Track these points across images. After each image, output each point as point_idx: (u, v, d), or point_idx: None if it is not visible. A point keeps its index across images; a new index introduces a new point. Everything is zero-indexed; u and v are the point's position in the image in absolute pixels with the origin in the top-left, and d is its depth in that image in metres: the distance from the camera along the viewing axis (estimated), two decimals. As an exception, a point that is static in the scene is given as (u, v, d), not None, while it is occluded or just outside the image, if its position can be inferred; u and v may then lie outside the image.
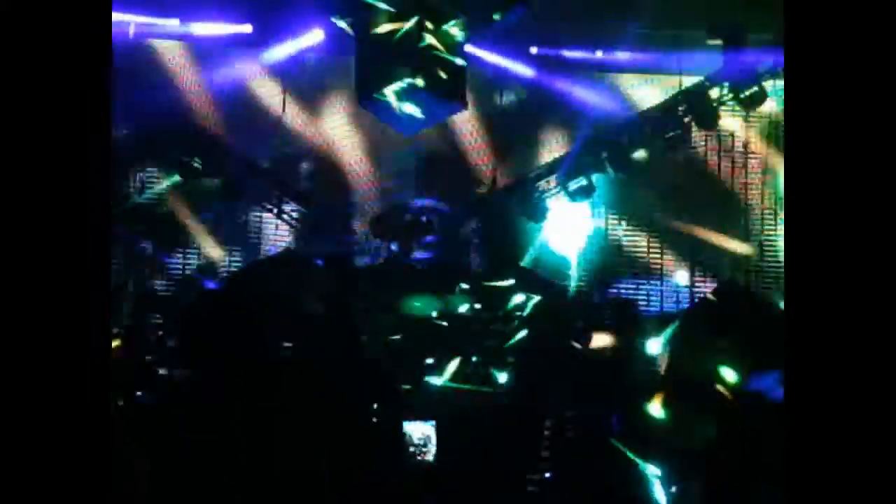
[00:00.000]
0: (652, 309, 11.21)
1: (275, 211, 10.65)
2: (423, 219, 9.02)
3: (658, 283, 11.30)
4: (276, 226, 10.81)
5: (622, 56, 10.76)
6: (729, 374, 7.90)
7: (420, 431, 7.02)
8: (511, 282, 8.26)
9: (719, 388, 7.98)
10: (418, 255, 9.79)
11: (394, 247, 9.21)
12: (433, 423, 7.10)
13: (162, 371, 8.56)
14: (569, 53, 10.83)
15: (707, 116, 10.61)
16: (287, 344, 6.66)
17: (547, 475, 9.13)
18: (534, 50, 10.85)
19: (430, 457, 7.03)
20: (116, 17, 9.49)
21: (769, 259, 11.10)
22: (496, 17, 8.76)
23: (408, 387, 7.00)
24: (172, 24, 10.32)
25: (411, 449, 6.60)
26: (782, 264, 10.77)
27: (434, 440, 7.04)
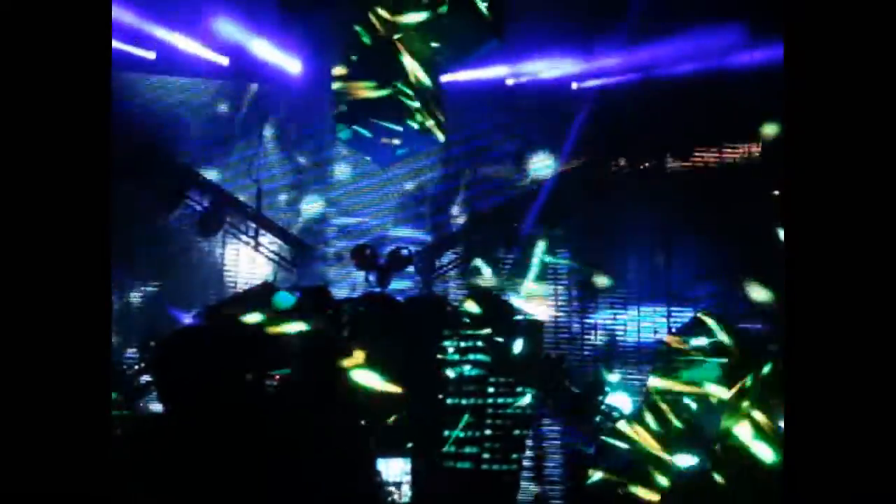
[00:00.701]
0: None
1: (252, 244, 10.61)
2: (404, 251, 9.03)
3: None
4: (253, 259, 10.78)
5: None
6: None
7: (396, 468, 7.00)
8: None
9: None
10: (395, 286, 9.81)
11: (372, 278, 9.21)
12: (408, 458, 7.09)
13: (139, 404, 8.52)
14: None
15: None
16: (263, 377, 6.64)
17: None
18: (510, 82, 10.93)
19: (405, 497, 7.02)
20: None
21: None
22: (472, 52, 8.85)
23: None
24: (149, 56, 10.30)
25: (387, 487, 6.57)
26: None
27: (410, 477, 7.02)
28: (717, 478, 7.64)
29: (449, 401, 8.06)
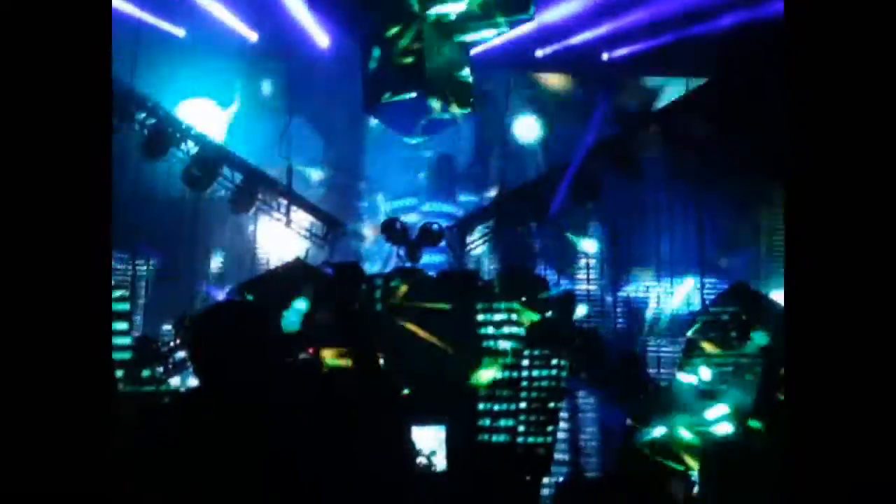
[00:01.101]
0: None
1: (283, 220, 10.66)
2: (434, 226, 9.03)
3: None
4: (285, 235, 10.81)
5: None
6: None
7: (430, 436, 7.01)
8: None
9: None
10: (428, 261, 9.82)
11: (402, 252, 9.23)
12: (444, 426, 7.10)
13: (172, 381, 8.63)
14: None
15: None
16: (297, 351, 6.69)
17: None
18: (539, 53, 10.84)
19: (440, 464, 7.03)
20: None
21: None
22: (502, 28, 8.79)
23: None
24: (178, 32, 10.33)
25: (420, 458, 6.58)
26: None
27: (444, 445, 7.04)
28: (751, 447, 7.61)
29: (483, 373, 8.07)
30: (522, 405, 8.16)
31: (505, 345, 8.15)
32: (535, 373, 8.18)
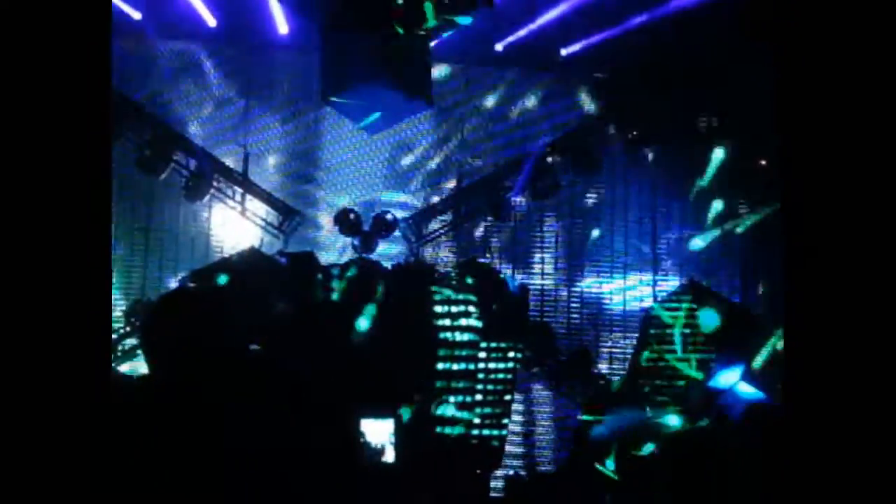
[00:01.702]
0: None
1: (238, 209, 10.56)
2: (388, 216, 9.01)
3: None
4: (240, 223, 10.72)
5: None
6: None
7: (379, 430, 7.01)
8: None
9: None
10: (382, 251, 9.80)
11: (356, 242, 9.20)
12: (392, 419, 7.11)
13: (121, 368, 8.53)
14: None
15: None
16: (250, 340, 6.63)
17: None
18: (498, 47, 10.86)
19: (388, 457, 7.03)
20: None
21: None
22: (461, 20, 8.76)
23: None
24: (135, 15, 10.18)
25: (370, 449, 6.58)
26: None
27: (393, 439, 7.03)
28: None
29: (439, 365, 8.06)
30: (479, 397, 8.19)
31: (462, 337, 8.17)
32: (491, 365, 8.21)
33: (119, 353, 8.68)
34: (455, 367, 8.12)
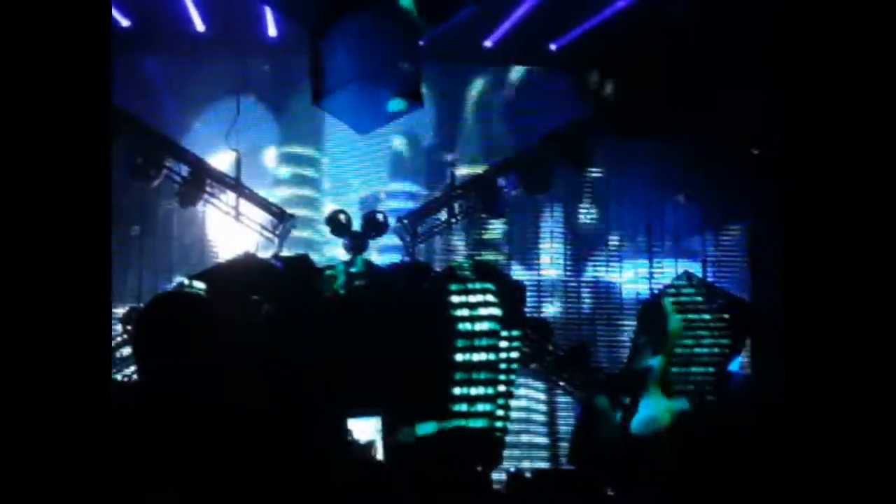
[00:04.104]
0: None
1: (232, 213, 10.55)
2: (378, 216, 8.99)
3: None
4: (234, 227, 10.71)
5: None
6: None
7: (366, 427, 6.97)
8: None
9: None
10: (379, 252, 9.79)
11: (348, 243, 9.18)
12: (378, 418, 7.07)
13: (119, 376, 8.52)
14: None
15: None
16: (243, 344, 6.64)
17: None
18: (488, 43, 10.86)
19: (377, 454, 7.01)
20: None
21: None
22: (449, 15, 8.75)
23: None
24: (124, 22, 10.17)
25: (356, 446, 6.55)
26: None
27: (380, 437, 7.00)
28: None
29: (458, 357, 7.91)
30: (501, 388, 8.04)
31: (482, 326, 8.03)
32: (512, 355, 8.06)
33: (116, 361, 8.66)
34: (475, 357, 7.97)
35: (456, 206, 10.92)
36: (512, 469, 9.67)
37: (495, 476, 8.72)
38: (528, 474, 9.05)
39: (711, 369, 8.14)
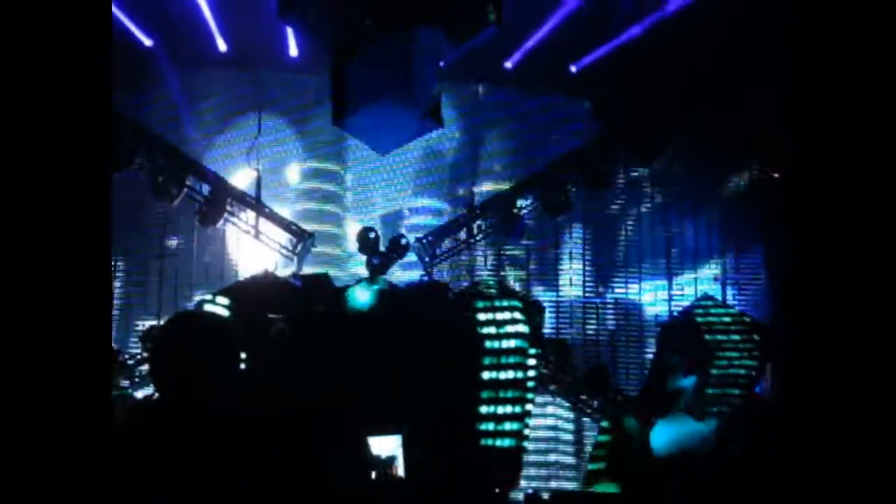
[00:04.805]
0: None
1: (252, 232, 10.60)
2: (402, 240, 9.00)
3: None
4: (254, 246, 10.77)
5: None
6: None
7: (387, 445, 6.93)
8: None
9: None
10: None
11: (375, 261, 9.18)
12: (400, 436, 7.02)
13: (138, 394, 8.55)
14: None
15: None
16: (260, 363, 6.66)
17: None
18: (508, 65, 10.90)
19: (398, 471, 6.97)
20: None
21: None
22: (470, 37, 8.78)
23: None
24: (147, 42, 10.28)
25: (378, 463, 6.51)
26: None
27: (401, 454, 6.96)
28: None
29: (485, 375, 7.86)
30: (529, 407, 7.98)
31: (509, 344, 8.02)
32: (505, 377, 7.99)
33: (136, 379, 8.70)
34: (502, 375, 7.90)
35: (475, 226, 10.90)
36: (530, 490, 9.62)
37: (514, 496, 8.68)
38: (545, 495, 8.99)
39: (738, 391, 8.05)
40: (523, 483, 10.32)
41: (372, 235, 8.91)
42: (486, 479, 7.92)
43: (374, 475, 6.56)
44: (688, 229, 11.28)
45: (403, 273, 10.48)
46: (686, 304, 10.15)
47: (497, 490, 8.20)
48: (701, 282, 11.04)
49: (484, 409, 7.78)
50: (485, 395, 7.80)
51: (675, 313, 10.42)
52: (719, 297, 10.28)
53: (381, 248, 8.92)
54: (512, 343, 7.93)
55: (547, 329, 10.15)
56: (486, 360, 7.86)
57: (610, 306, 11.36)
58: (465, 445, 7.73)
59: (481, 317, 7.97)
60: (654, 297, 11.28)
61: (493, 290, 8.45)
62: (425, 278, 10.40)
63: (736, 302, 10.67)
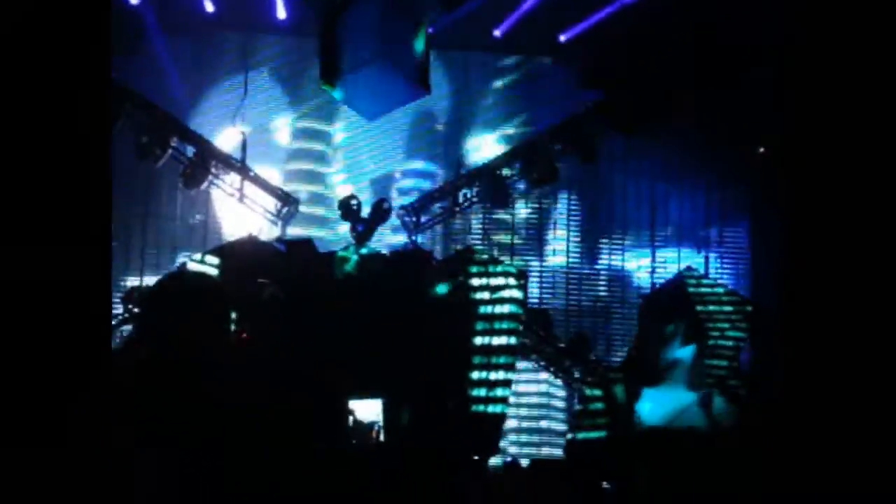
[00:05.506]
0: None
1: (237, 195, 10.52)
2: (385, 204, 8.98)
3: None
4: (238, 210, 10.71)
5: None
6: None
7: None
8: None
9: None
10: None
11: (360, 228, 9.15)
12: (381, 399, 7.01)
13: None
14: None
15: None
16: (245, 325, 6.65)
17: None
18: (497, 33, 10.85)
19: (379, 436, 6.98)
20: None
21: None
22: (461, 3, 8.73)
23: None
24: (133, 1, 10.15)
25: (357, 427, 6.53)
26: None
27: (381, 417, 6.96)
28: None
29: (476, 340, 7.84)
30: (475, 376, 7.92)
31: (503, 309, 8.00)
32: (487, 343, 7.91)
33: (117, 340, 8.66)
34: (495, 340, 7.83)
35: (461, 195, 10.89)
36: (508, 458, 9.69)
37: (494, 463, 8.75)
38: (523, 462, 9.06)
39: (727, 362, 8.08)
40: (513, 449, 10.43)
41: (354, 203, 8.89)
42: (465, 445, 7.95)
43: (353, 441, 6.60)
44: (672, 202, 11.32)
45: (394, 238, 10.51)
46: (669, 275, 10.22)
47: (476, 457, 8.25)
48: (684, 254, 11.09)
49: (475, 375, 7.74)
50: (477, 360, 7.76)
51: (658, 284, 10.48)
52: (702, 270, 10.34)
53: (364, 216, 8.90)
54: (506, 308, 7.89)
55: (531, 298, 10.19)
56: (479, 326, 7.82)
57: (594, 276, 11.41)
58: (445, 412, 7.73)
59: (475, 282, 7.93)
60: (637, 267, 11.34)
61: (487, 255, 8.45)
62: (409, 245, 10.39)
63: (718, 275, 10.73)
